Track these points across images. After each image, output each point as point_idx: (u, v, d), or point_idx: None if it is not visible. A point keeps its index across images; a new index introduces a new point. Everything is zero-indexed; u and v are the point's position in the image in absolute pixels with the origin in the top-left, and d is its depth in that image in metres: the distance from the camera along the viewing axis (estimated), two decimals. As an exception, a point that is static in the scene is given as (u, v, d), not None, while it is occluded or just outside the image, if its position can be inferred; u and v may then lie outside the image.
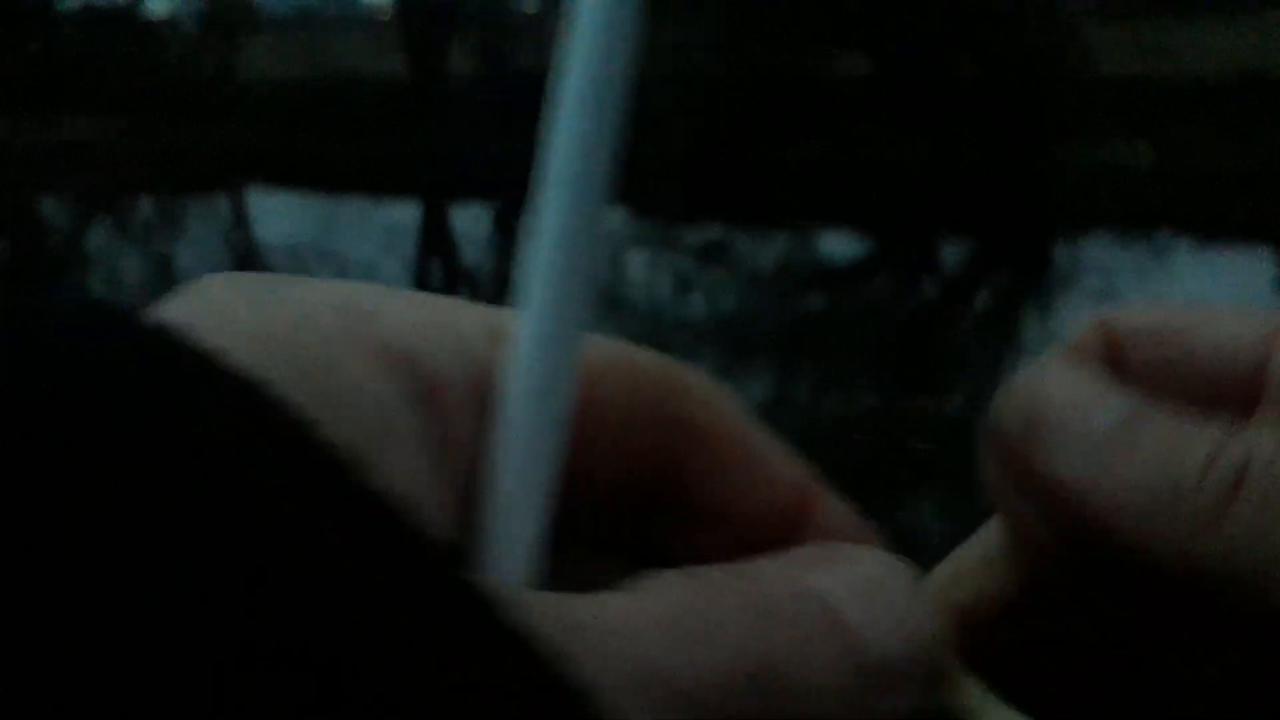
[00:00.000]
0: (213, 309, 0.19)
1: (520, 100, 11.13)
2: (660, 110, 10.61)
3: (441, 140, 10.68)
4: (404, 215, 9.43)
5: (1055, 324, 6.69)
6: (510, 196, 10.12)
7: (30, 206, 9.78)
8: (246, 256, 7.99)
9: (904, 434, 5.16)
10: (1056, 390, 0.27)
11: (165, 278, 7.41)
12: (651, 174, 10.44)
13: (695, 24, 10.72)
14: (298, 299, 0.20)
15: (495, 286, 7.57)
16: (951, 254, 8.68)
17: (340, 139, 11.03)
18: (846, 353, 6.17)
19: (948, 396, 5.58)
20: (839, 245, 8.78)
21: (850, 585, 0.21)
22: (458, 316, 0.23)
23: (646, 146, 10.55)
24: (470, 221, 9.28)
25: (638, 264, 7.98)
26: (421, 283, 7.59)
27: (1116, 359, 0.28)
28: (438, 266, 8.07)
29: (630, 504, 0.24)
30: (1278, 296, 7.53)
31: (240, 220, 9.42)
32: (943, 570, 0.33)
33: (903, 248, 8.61)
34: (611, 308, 6.91)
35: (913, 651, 0.20)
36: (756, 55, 10.87)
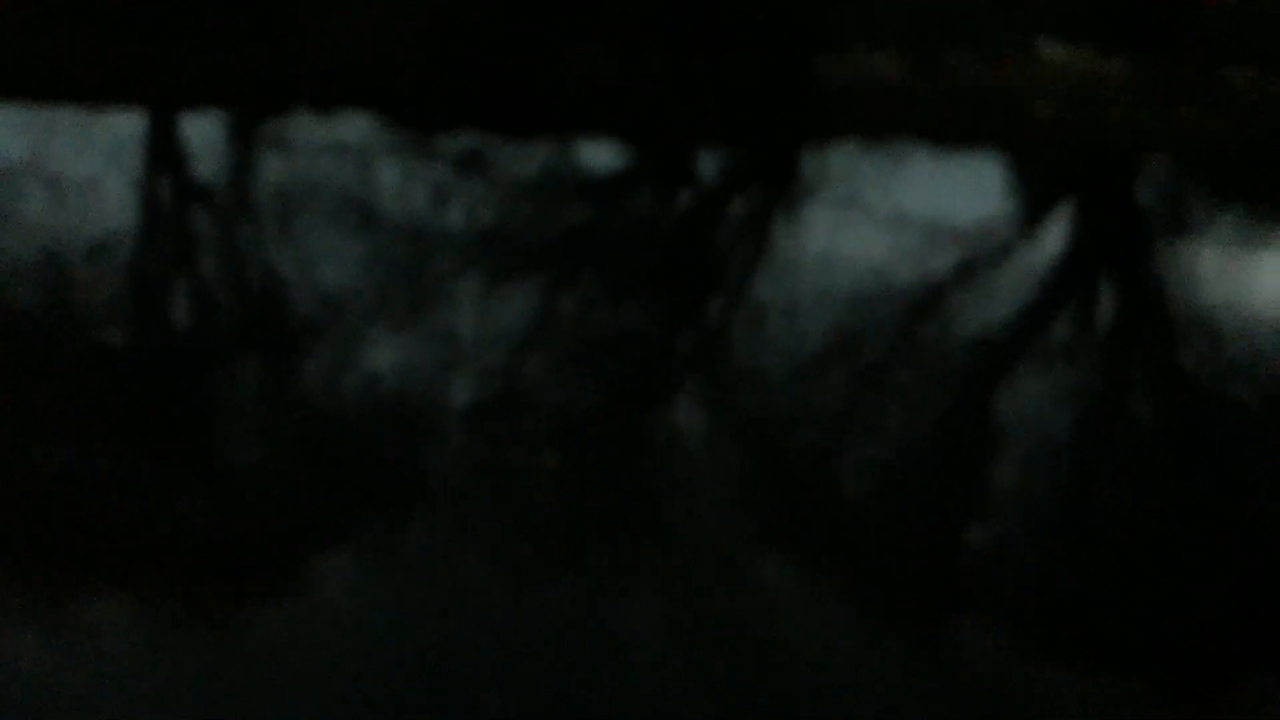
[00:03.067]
0: None
1: (253, 4, 10.40)
2: (410, 15, 10.16)
3: (168, 45, 9.90)
4: (128, 126, 8.71)
5: (805, 232, 6.90)
6: (247, 104, 9.50)
7: None
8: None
9: (671, 341, 5.23)
10: None
11: None
12: (403, 80, 10.03)
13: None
14: None
15: (233, 202, 7.11)
16: (708, 165, 8.80)
17: (53, 44, 10.07)
18: (613, 264, 6.16)
19: (709, 302, 5.68)
20: (599, 156, 8.73)
21: None
22: None
23: (397, 51, 10.11)
24: (203, 132, 8.67)
25: (391, 175, 7.66)
26: (150, 201, 7.03)
27: None
28: (168, 182, 7.50)
29: None
30: (1009, 201, 8.05)
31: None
32: None
33: (662, 159, 8.66)
34: (365, 221, 6.61)
35: None
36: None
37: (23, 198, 6.73)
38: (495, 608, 3.13)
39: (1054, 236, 7.10)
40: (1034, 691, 2.86)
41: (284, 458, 3.94)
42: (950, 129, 9.36)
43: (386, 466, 3.88)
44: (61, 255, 5.85)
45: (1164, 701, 2.87)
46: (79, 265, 5.75)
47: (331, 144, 8.24)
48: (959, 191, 7.98)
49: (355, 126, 8.83)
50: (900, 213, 7.11)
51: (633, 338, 5.17)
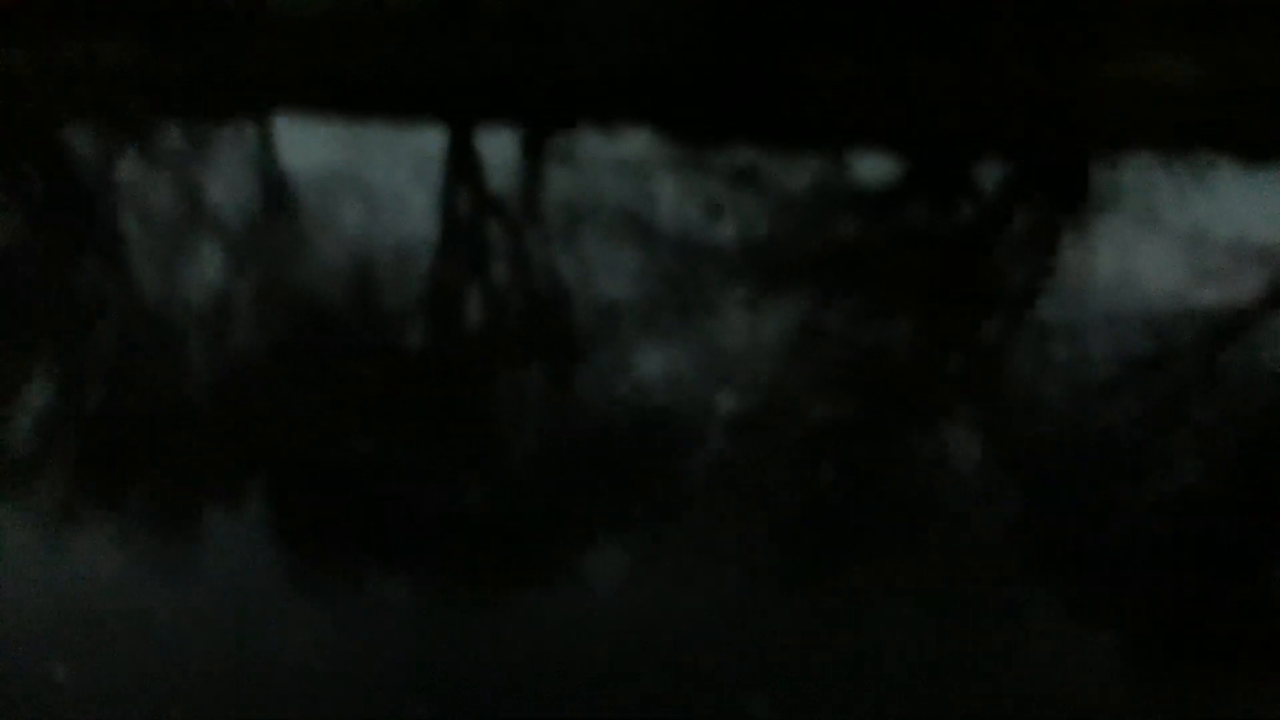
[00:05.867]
0: None
1: (543, 18, 10.89)
2: (686, 29, 10.36)
3: (467, 63, 10.48)
4: (431, 141, 9.33)
5: (1094, 247, 6.55)
6: (537, 118, 9.97)
7: (60, 135, 9.75)
8: (274, 185, 7.94)
9: (942, 359, 5.10)
10: None
11: (194, 207, 7.38)
12: (679, 95, 10.23)
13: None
14: None
15: (524, 211, 7.49)
16: (988, 176, 8.51)
17: (367, 63, 10.86)
18: (883, 278, 6.07)
19: (987, 321, 5.50)
20: (872, 168, 8.62)
21: None
22: None
23: (673, 67, 10.26)
24: (498, 145, 9.17)
25: (667, 189, 7.85)
26: (450, 210, 7.51)
27: None
28: (466, 193, 7.98)
29: None
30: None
31: (267, 148, 9.35)
32: None
33: (938, 170, 8.44)
34: (641, 235, 6.81)
35: None
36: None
37: (337, 204, 7.36)
38: (752, 614, 3.18)
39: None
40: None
41: (562, 454, 4.14)
42: (1253, 135, 8.65)
43: (654, 469, 4.00)
44: (370, 259, 6.35)
45: None
46: (385, 268, 6.23)
47: (613, 159, 8.53)
48: (1264, 204, 7.36)
49: (635, 141, 9.09)
50: (1198, 228, 6.64)
51: (904, 354, 5.09)
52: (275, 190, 7.81)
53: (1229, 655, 3.03)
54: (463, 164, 8.61)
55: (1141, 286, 5.72)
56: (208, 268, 6.17)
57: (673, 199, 7.62)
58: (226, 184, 7.97)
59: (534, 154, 8.92)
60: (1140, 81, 9.47)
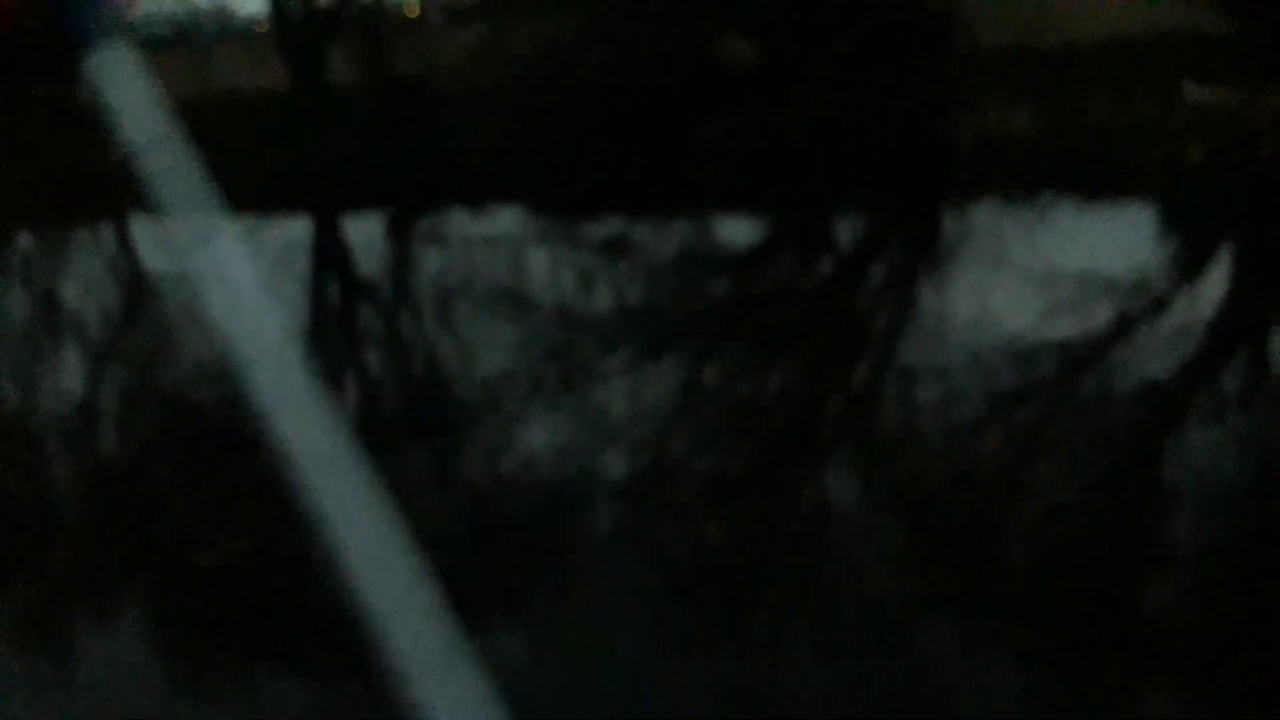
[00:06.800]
0: None
1: (402, 105, 10.98)
2: (551, 105, 10.54)
3: (327, 151, 10.46)
4: (295, 230, 9.24)
5: (951, 291, 6.82)
6: (401, 203, 9.98)
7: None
8: (134, 286, 7.75)
9: (819, 407, 5.22)
10: None
11: (49, 314, 7.17)
12: (547, 170, 10.38)
13: (574, 17, 10.67)
14: None
15: (393, 295, 7.48)
16: (847, 229, 8.81)
17: (223, 157, 10.78)
18: (756, 334, 6.21)
19: (855, 369, 5.66)
20: (737, 230, 8.85)
21: None
22: None
23: (539, 143, 10.45)
24: (363, 232, 9.13)
25: (539, 262, 7.92)
26: (318, 298, 7.45)
27: None
28: (334, 280, 7.93)
29: None
30: (1161, 247, 7.79)
31: (125, 249, 9.12)
32: None
33: (799, 228, 8.71)
34: (516, 307, 6.85)
35: None
36: (641, 45, 10.87)
37: (200, 300, 7.23)
38: (656, 677, 3.17)
39: (1214, 283, 6.85)
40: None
41: (451, 534, 4.10)
42: (1092, 178, 9.18)
43: (547, 540, 3.99)
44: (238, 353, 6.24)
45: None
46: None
47: (483, 236, 8.58)
48: (1107, 241, 7.79)
49: (504, 219, 9.17)
50: (1048, 267, 6.98)
51: (783, 406, 5.20)
52: (134, 293, 7.63)
53: (1114, 666, 3.14)
54: (329, 251, 8.55)
55: (999, 324, 5.97)
56: (69, 374, 5.98)
57: (545, 272, 7.70)
58: (83, 290, 7.76)
59: (402, 237, 8.92)
60: (982, 132, 9.98)
